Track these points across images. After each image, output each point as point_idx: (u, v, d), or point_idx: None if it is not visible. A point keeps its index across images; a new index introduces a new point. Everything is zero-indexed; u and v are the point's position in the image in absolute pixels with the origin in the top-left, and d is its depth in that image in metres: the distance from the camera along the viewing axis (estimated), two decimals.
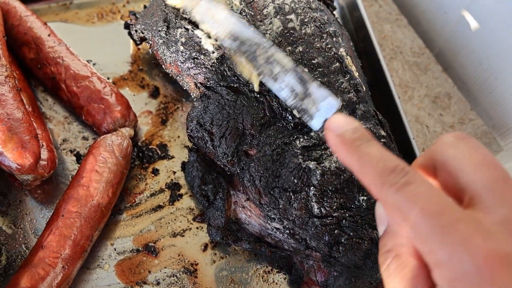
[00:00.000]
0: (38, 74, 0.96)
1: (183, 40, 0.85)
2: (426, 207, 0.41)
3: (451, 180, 0.46)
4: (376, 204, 0.53)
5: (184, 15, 0.87)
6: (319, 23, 0.86)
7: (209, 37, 0.83)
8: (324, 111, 0.59)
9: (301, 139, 0.78)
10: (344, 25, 1.12)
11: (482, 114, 1.09)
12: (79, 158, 0.93)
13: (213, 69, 0.82)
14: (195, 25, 0.86)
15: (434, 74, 1.09)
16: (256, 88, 0.78)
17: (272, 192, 0.77)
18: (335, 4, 1.05)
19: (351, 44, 0.94)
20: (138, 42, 0.97)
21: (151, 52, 1.03)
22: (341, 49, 0.86)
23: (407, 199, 0.42)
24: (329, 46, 0.85)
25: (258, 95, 0.80)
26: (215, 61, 0.82)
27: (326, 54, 0.84)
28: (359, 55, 1.07)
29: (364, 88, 0.85)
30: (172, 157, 0.96)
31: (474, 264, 0.38)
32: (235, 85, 0.81)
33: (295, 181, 0.75)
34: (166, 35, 0.88)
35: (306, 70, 0.79)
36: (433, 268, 0.41)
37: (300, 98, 0.62)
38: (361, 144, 0.48)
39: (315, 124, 0.60)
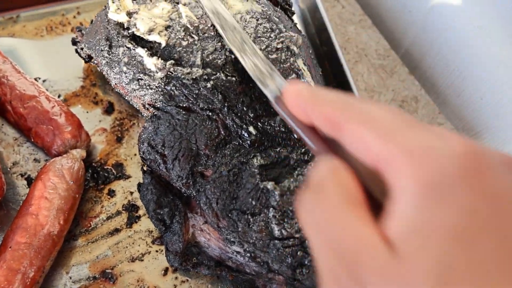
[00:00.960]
0: None
1: (125, 60, 0.81)
2: (390, 109, 0.40)
3: None
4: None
5: (125, 32, 0.82)
6: (275, 34, 0.82)
7: (152, 55, 0.79)
8: (280, 84, 0.59)
9: (259, 157, 0.74)
10: (305, 29, 1.08)
11: (451, 117, 1.06)
12: (31, 182, 0.89)
13: (159, 89, 0.78)
14: (137, 42, 0.81)
15: (401, 77, 1.06)
16: None
17: (230, 215, 0.73)
18: (294, 8, 1.01)
19: (311, 51, 0.90)
20: (87, 60, 0.92)
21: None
22: (298, 60, 0.82)
23: (371, 111, 0.40)
24: (285, 57, 0.81)
25: (210, 113, 0.76)
26: (160, 81, 0.78)
27: (282, 65, 0.80)
28: (322, 60, 1.04)
29: None
30: (129, 176, 0.91)
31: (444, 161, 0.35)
32: (184, 105, 0.76)
33: (253, 202, 0.72)
34: (109, 54, 0.83)
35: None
36: (397, 170, 0.37)
37: (262, 74, 0.63)
38: (317, 91, 0.46)
39: (270, 91, 0.58)
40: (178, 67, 0.77)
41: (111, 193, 0.90)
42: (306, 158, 0.75)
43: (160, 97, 0.78)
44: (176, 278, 0.83)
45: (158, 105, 0.78)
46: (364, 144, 0.40)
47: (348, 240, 0.37)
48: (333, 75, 1.02)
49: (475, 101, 0.99)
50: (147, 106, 0.79)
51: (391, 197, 0.38)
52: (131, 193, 0.90)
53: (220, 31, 0.75)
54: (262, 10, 0.85)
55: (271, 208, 0.71)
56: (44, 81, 0.99)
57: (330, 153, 0.46)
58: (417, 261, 0.33)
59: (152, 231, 0.87)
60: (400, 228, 0.35)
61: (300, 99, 0.47)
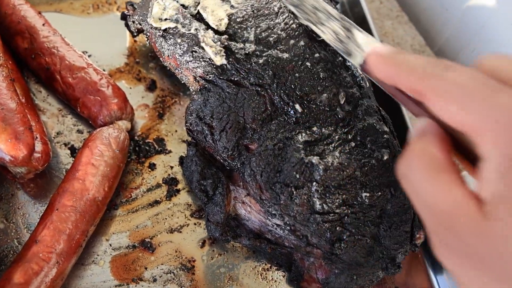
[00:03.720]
0: (32, 65, 0.94)
1: (181, 32, 0.83)
2: (471, 80, 0.41)
3: None
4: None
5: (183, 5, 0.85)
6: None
7: (207, 29, 0.81)
8: (365, 48, 0.59)
9: (303, 134, 0.76)
10: None
11: None
12: (74, 151, 0.91)
13: (213, 62, 0.80)
14: (194, 16, 0.84)
15: None
16: None
17: (273, 187, 0.75)
18: None
19: None
20: (135, 34, 0.95)
21: (148, 45, 1.00)
22: None
23: (451, 79, 0.42)
24: None
25: (259, 89, 0.78)
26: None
27: (329, 48, 0.82)
28: None
29: (367, 84, 0.84)
30: (170, 151, 0.94)
31: None
32: (235, 78, 0.79)
33: (297, 176, 0.74)
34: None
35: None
36: (480, 138, 0.40)
37: (341, 41, 0.64)
38: (402, 54, 0.49)
39: (355, 58, 0.60)
40: (232, 42, 0.80)
41: (152, 166, 0.92)
42: (349, 137, 0.77)
43: (212, 70, 0.80)
44: (213, 250, 0.85)
45: (209, 78, 0.80)
46: (448, 113, 0.42)
47: (442, 203, 0.41)
48: None
49: None
50: (198, 78, 0.82)
51: (481, 159, 0.40)
52: (171, 167, 0.92)
53: (291, 8, 0.75)
54: None
55: (314, 182, 0.73)
56: (89, 56, 1.01)
57: (423, 114, 0.49)
58: (507, 226, 0.37)
59: (190, 205, 0.89)
60: (489, 193, 0.39)
61: (382, 66, 0.50)
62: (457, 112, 0.41)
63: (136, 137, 0.94)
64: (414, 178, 0.44)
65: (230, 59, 0.79)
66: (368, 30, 1.03)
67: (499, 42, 1.02)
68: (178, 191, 0.90)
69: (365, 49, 0.59)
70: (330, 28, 0.67)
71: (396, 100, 0.54)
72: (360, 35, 0.63)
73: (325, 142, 0.77)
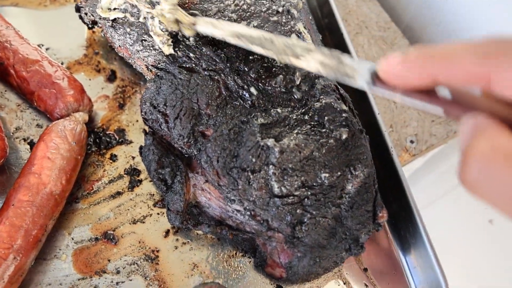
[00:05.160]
0: None
1: (130, 21, 0.82)
2: None
3: None
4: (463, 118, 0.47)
5: None
6: None
7: (153, 17, 0.79)
8: (364, 69, 0.55)
9: (259, 117, 0.75)
10: (307, 2, 1.09)
11: None
12: (33, 146, 0.89)
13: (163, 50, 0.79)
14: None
15: (401, 48, 1.07)
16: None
17: (230, 172, 0.74)
18: None
19: (310, 17, 0.91)
20: (90, 26, 0.93)
21: (104, 36, 0.99)
22: (299, 23, 0.83)
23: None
24: (285, 20, 0.82)
25: (212, 73, 0.77)
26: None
27: (283, 28, 0.81)
28: (323, 32, 1.04)
29: None
30: (131, 142, 0.92)
31: None
32: (187, 65, 0.77)
33: (253, 160, 0.72)
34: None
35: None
36: None
37: (333, 67, 0.59)
38: (431, 47, 0.46)
39: (359, 80, 0.55)
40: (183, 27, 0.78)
41: (113, 158, 0.90)
42: (306, 117, 0.76)
43: (163, 58, 0.78)
44: (177, 240, 0.84)
45: (161, 66, 0.78)
46: None
47: None
48: (334, 46, 1.03)
49: None
50: (150, 67, 0.80)
51: None
52: (133, 157, 0.91)
53: (262, 51, 0.68)
54: None
55: (271, 165, 0.72)
56: (47, 49, 1.00)
57: (466, 111, 0.45)
58: None
59: (153, 194, 0.87)
60: None
61: (413, 66, 0.46)
62: None
63: (96, 129, 0.92)
64: (497, 179, 0.39)
65: (180, 46, 0.77)
66: (330, 10, 1.01)
67: (463, 15, 1.00)
68: (140, 181, 0.89)
69: (363, 70, 0.55)
70: (314, 60, 0.62)
71: (418, 108, 0.51)
72: (348, 59, 0.58)
73: (282, 124, 0.76)
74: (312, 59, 0.62)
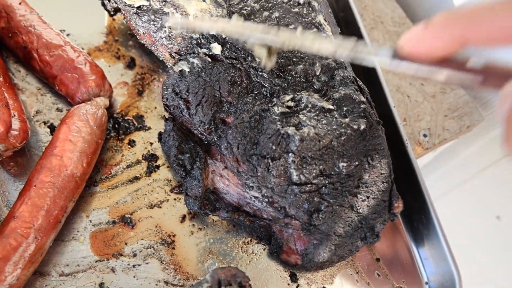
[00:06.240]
0: (9, 44, 0.93)
1: (155, 8, 0.83)
2: None
3: None
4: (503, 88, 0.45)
5: None
6: None
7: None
8: (380, 50, 0.52)
9: (279, 106, 0.76)
10: None
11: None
12: (53, 129, 0.91)
13: (187, 38, 0.80)
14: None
15: None
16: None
17: (250, 159, 0.75)
18: None
19: (330, 10, 0.92)
20: (112, 13, 0.94)
21: (125, 23, 1.00)
22: (319, 15, 0.84)
23: None
24: (306, 12, 0.83)
25: (234, 62, 0.78)
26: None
27: (304, 19, 0.82)
28: (340, 26, 1.06)
29: None
30: (149, 128, 0.93)
31: None
32: (210, 53, 0.78)
33: (274, 147, 0.74)
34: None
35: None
36: None
37: (352, 48, 0.55)
38: (455, 11, 0.45)
39: (381, 55, 0.51)
40: (205, 16, 0.79)
41: (132, 143, 0.92)
42: (326, 107, 0.77)
43: (188, 45, 0.80)
44: (193, 225, 0.85)
45: (185, 53, 0.80)
46: None
47: None
48: None
49: None
50: (173, 54, 0.81)
51: None
52: (151, 143, 0.92)
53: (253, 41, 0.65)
54: None
55: (291, 153, 0.73)
56: (68, 35, 1.01)
57: (503, 81, 0.44)
58: None
59: (170, 180, 0.89)
60: None
61: (444, 29, 0.45)
62: None
63: (115, 115, 0.94)
64: None
65: (204, 34, 0.79)
66: (347, 4, 1.02)
67: None
68: (157, 167, 0.90)
69: (382, 48, 0.52)
70: (329, 43, 0.57)
71: (450, 80, 0.47)
72: (365, 44, 0.55)
73: (301, 113, 0.77)
74: (326, 42, 0.57)
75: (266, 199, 0.78)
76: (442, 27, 0.45)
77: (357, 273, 0.84)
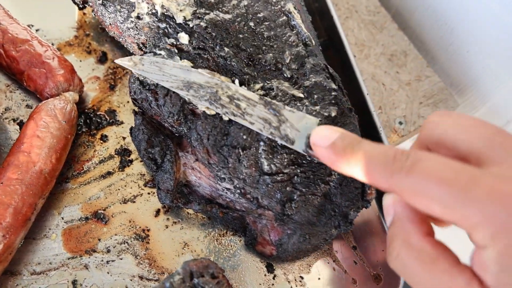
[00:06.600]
0: None
1: None
2: (442, 177, 0.39)
3: (451, 153, 0.44)
4: (383, 197, 0.51)
5: None
6: None
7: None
8: (304, 131, 0.62)
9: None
10: None
11: (438, 71, 1.07)
12: (23, 126, 0.89)
13: (154, 27, 0.79)
14: None
15: (390, 33, 1.07)
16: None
17: (220, 150, 0.74)
18: None
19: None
20: (81, 6, 0.93)
21: (95, 16, 0.98)
22: (289, 3, 0.83)
23: (421, 177, 0.41)
24: (276, 0, 0.82)
25: (202, 52, 0.77)
26: (155, 19, 0.78)
27: (272, 8, 0.81)
28: (314, 16, 1.05)
29: (314, 42, 0.83)
30: (121, 122, 0.92)
31: (508, 211, 0.37)
32: (178, 42, 0.77)
33: (244, 137, 0.73)
34: None
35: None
36: (472, 232, 0.39)
37: (275, 127, 0.65)
38: (354, 146, 0.48)
39: (298, 145, 0.62)
40: (172, 6, 0.78)
41: (104, 138, 0.90)
42: (297, 95, 0.76)
43: (155, 35, 0.78)
44: (167, 219, 0.84)
45: (151, 44, 0.78)
46: (431, 212, 0.41)
47: None
48: (324, 30, 1.03)
49: (463, 55, 1.00)
50: (141, 45, 0.80)
51: (476, 245, 0.40)
52: (124, 138, 0.91)
53: (208, 105, 0.72)
54: None
55: (262, 142, 0.72)
56: (36, 30, 0.99)
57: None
58: None
59: (144, 174, 0.88)
60: (495, 281, 0.39)
61: (333, 157, 0.51)
62: (442, 211, 0.40)
63: (86, 110, 0.92)
64: (410, 272, 0.43)
65: (171, 24, 0.77)
66: None
67: None
68: (131, 161, 0.89)
69: (303, 131, 0.62)
70: (257, 116, 0.67)
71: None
72: (290, 115, 0.64)
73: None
74: (255, 116, 0.67)
75: (239, 191, 0.77)
76: (340, 155, 0.50)
77: (334, 261, 0.84)
